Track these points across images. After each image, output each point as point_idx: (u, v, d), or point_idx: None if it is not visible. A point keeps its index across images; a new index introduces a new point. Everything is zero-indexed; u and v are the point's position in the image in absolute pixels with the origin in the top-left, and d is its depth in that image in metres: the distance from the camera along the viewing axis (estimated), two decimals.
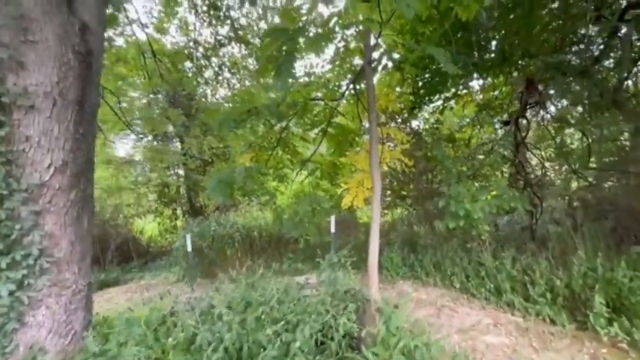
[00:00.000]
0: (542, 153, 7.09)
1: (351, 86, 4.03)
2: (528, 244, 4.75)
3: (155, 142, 10.60)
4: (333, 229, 4.06)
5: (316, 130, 4.72)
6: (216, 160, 9.08)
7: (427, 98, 5.87)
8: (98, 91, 2.86)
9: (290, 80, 2.84)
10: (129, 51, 5.44)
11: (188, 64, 7.41)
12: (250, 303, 2.33)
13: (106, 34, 5.67)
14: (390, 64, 4.58)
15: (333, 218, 4.07)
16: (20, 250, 2.43)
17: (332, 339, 2.05)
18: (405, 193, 7.72)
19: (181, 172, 10.63)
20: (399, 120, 7.17)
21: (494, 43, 5.45)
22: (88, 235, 2.97)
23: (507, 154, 6.23)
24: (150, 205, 11.42)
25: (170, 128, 9.63)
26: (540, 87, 5.72)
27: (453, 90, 6.27)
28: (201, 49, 7.36)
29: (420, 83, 5.21)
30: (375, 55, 3.80)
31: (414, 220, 6.79)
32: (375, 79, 4.58)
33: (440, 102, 6.49)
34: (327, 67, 4.48)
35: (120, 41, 5.35)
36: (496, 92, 6.91)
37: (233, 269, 6.83)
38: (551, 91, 5.78)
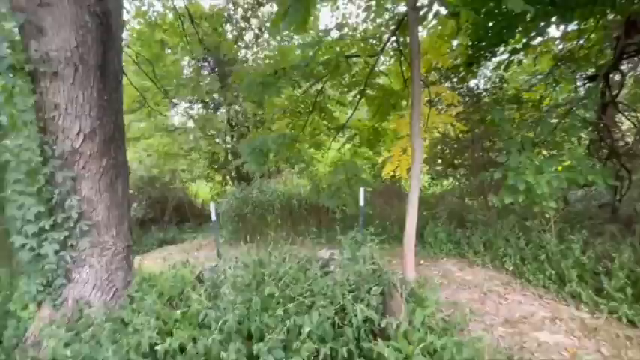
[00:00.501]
0: (638, 115, 5.75)
1: (393, 39, 3.48)
2: (607, 225, 3.97)
3: (204, 110, 10.95)
4: (362, 202, 3.77)
5: (354, 93, 4.28)
6: (260, 127, 9.09)
7: (489, 50, 4.97)
8: (120, 56, 2.80)
9: (318, 33, 2.47)
10: (166, 16, 5.40)
11: (228, 27, 7.24)
12: (262, 280, 2.23)
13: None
14: (442, 10, 3.85)
15: (362, 190, 3.76)
16: (61, 213, 2.58)
17: (350, 324, 1.86)
18: (458, 162, 6.99)
19: (228, 139, 10.91)
20: (455, 79, 6.31)
21: None
22: (124, 201, 3.09)
23: (589, 117, 5.16)
24: (202, 171, 12.07)
25: (216, 96, 9.80)
26: None
27: (524, 40, 5.22)
28: (240, 10, 7.09)
29: (481, 32, 4.35)
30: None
31: (466, 192, 6.15)
32: (425, 30, 3.92)
33: (506, 55, 5.49)
34: (363, 15, 3.90)
35: (158, 6, 5.29)
36: (581, 41, 5.63)
37: (272, 235, 7.03)
38: None
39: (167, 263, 4.08)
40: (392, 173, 4.96)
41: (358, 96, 4.26)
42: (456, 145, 6.96)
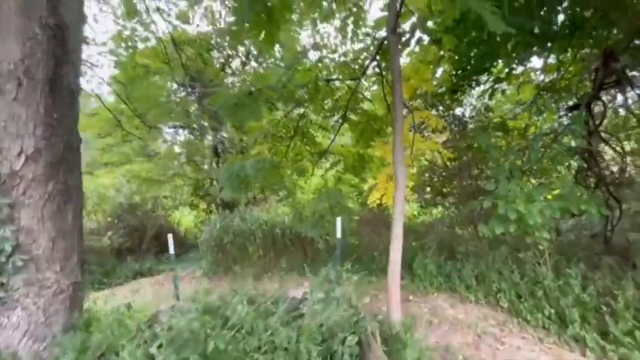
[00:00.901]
0: (620, 145, 5.77)
1: (375, 63, 3.38)
2: (604, 258, 3.74)
3: (191, 136, 10.77)
4: (339, 234, 3.49)
5: (337, 117, 4.14)
6: (245, 153, 8.90)
7: (473, 79, 4.98)
8: (77, 71, 2.58)
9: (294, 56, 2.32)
10: (147, 40, 5.32)
11: (215, 53, 7.23)
12: (212, 330, 1.87)
13: (127, 24, 5.66)
14: (424, 37, 3.83)
15: (339, 221, 3.49)
16: None
17: None
18: (447, 190, 6.84)
19: (214, 165, 10.67)
20: (440, 107, 6.30)
21: (561, 6, 4.40)
22: (75, 231, 2.74)
23: (575, 146, 5.11)
24: (186, 198, 11.67)
25: (205, 123, 9.66)
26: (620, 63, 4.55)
27: (506, 70, 5.27)
28: (227, 37, 7.12)
29: (464, 59, 4.35)
30: (406, 25, 3.13)
31: (456, 221, 5.92)
32: (406, 54, 3.87)
33: (490, 84, 5.53)
34: (341, 37, 3.85)
35: (141, 30, 5.23)
36: (562, 72, 5.75)
37: (254, 267, 6.60)
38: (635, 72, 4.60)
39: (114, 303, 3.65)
40: (378, 201, 4.73)
41: (340, 121, 4.10)
42: (444, 173, 6.85)
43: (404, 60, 4.18)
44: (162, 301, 5.60)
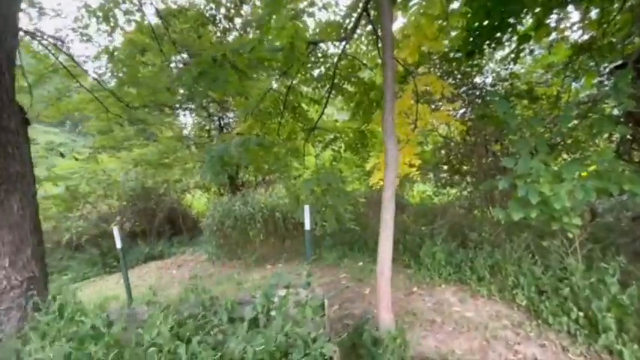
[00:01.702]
0: None
1: (364, 18, 2.80)
2: None
3: (199, 119, 10.52)
4: (307, 225, 3.04)
5: (327, 87, 3.61)
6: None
7: (494, 37, 4.23)
8: (5, 45, 2.23)
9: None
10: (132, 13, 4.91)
11: (210, 27, 6.77)
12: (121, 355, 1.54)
13: None
14: None
15: (307, 209, 3.04)
16: None
17: None
18: (466, 168, 6.19)
19: None
20: (458, 75, 5.56)
21: None
22: (25, 222, 2.48)
23: (618, 114, 4.32)
24: (197, 181, 11.60)
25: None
26: None
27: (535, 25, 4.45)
28: (222, 9, 6.60)
29: (481, 12, 3.62)
30: None
31: (471, 204, 5.33)
32: (406, 8, 3.23)
33: (513, 44, 4.73)
34: None
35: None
36: (604, 25, 4.82)
37: (254, 253, 6.37)
38: None
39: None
40: (380, 182, 4.23)
41: (332, 91, 3.58)
42: (461, 150, 6.19)
43: (403, 20, 3.53)
44: (159, 287, 5.51)
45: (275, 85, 4.05)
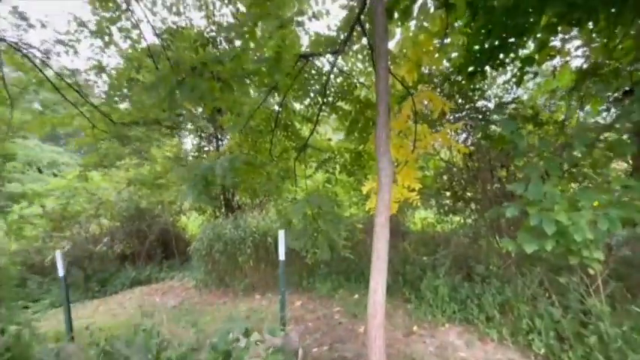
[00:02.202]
0: None
1: (358, 31, 2.63)
2: None
3: (199, 140, 10.41)
4: (282, 254, 2.70)
5: (319, 104, 3.39)
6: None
7: (497, 57, 4.07)
8: None
9: None
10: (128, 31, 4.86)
11: (210, 48, 6.78)
12: None
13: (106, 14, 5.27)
14: (429, 2, 3.04)
15: (281, 235, 2.72)
16: None
17: None
18: (470, 194, 5.88)
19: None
20: (458, 98, 5.39)
21: None
22: None
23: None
24: (192, 203, 11.30)
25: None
26: None
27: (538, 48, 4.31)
28: (223, 33, 6.63)
29: (482, 32, 3.48)
30: None
31: (476, 233, 4.97)
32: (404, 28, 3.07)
33: (517, 68, 4.59)
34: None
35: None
36: (610, 49, 4.69)
37: (243, 281, 5.94)
38: None
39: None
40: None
41: (324, 109, 3.36)
42: (464, 175, 5.91)
43: (400, 37, 3.38)
44: (136, 317, 5.07)
45: (268, 102, 3.86)
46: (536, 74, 5.21)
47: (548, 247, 2.41)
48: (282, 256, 2.72)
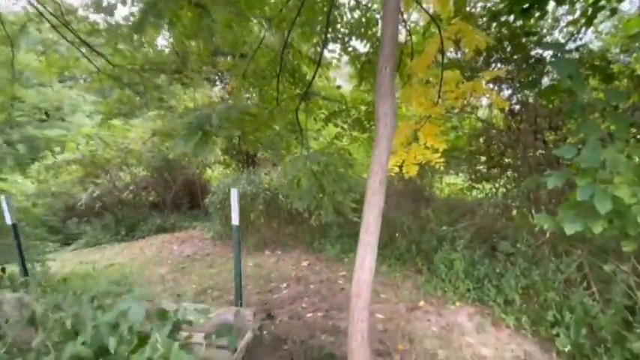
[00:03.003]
0: None
1: None
2: None
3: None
4: (235, 219, 2.36)
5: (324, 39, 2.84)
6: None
7: None
8: None
9: None
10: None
11: None
12: None
13: None
14: None
15: (234, 193, 2.36)
16: None
17: None
18: (508, 160, 5.16)
19: None
20: (507, 45, 4.47)
21: None
22: None
23: None
24: (218, 157, 11.40)
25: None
26: None
27: None
28: None
29: None
30: None
31: (505, 204, 4.38)
32: None
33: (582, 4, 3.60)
34: None
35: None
36: None
37: (255, 236, 5.88)
38: None
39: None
40: (395, 168, 3.45)
41: (335, 50, 2.82)
42: (504, 138, 5.14)
43: None
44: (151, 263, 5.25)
45: (273, 42, 3.36)
46: (614, 11, 4.11)
47: (597, 228, 1.89)
48: (235, 220, 2.43)
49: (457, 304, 2.95)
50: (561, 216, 2.10)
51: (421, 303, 3.05)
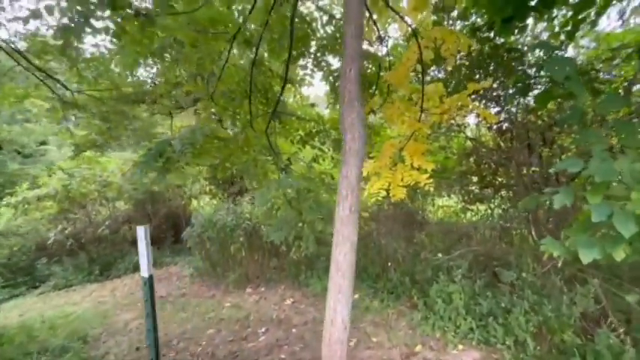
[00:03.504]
0: None
1: None
2: None
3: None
4: (144, 270, 1.99)
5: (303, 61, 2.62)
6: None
7: None
8: None
9: None
10: None
11: None
12: None
13: None
14: None
15: (140, 232, 2.02)
16: None
17: None
18: (501, 180, 4.90)
19: None
20: (490, 62, 4.35)
21: None
22: None
23: None
24: (201, 187, 11.04)
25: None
26: None
27: None
28: None
29: None
30: None
31: (503, 227, 4.08)
32: None
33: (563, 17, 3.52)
34: None
35: None
36: None
37: (235, 272, 5.39)
38: None
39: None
40: (383, 192, 3.13)
41: (308, 66, 2.58)
42: (495, 157, 4.91)
43: None
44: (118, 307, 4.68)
45: (242, 62, 3.14)
46: (594, 24, 4.06)
47: (618, 254, 1.57)
48: (144, 272, 1.96)
49: (459, 347, 2.53)
50: (573, 241, 1.78)
51: (418, 348, 2.61)
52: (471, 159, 5.23)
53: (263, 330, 3.37)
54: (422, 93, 2.33)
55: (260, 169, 3.59)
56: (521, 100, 4.20)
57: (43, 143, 13.34)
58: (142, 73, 5.28)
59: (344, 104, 1.32)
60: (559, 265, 2.41)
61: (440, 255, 3.84)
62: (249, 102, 3.02)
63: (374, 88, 2.99)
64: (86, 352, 2.99)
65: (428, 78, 4.28)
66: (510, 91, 3.59)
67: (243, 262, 5.26)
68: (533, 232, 3.68)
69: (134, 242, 8.81)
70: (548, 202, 2.10)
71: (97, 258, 7.89)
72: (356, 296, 4.09)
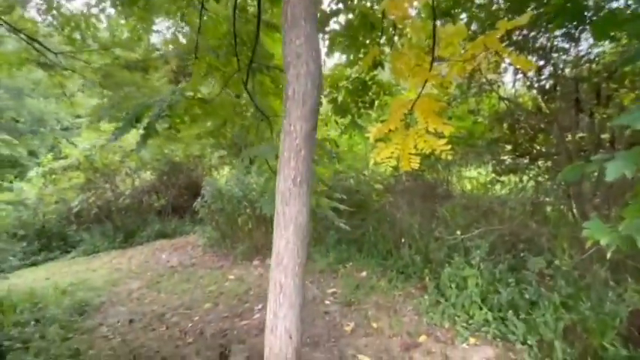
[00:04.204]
0: None
1: None
2: None
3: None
4: None
5: None
6: None
7: None
8: None
9: None
10: None
11: None
12: None
13: None
14: None
15: None
16: None
17: None
18: (539, 148, 4.23)
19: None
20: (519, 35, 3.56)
21: None
22: None
23: None
24: (224, 157, 11.01)
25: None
26: None
27: None
28: None
29: None
30: None
31: (534, 203, 3.50)
32: None
33: None
34: None
35: None
36: None
37: (243, 243, 5.26)
38: None
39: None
40: (387, 161, 2.69)
41: None
42: (534, 121, 4.20)
43: None
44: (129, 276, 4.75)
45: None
46: None
47: None
48: None
49: (471, 340, 2.17)
50: (629, 225, 1.29)
51: (422, 338, 2.28)
52: (505, 124, 4.53)
53: (259, 307, 3.20)
54: (433, 36, 1.81)
55: (254, 137, 3.25)
56: (572, 48, 3.45)
57: (78, 117, 13.91)
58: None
59: (286, 26, 0.91)
60: (608, 255, 1.92)
61: (459, 233, 3.39)
62: (236, 57, 2.63)
63: (381, 33, 2.47)
64: (79, 323, 2.98)
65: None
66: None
67: (251, 234, 5.12)
68: (574, 210, 3.10)
69: (157, 211, 9.00)
70: (596, 173, 1.60)
71: (122, 226, 8.20)
72: (363, 274, 3.81)
